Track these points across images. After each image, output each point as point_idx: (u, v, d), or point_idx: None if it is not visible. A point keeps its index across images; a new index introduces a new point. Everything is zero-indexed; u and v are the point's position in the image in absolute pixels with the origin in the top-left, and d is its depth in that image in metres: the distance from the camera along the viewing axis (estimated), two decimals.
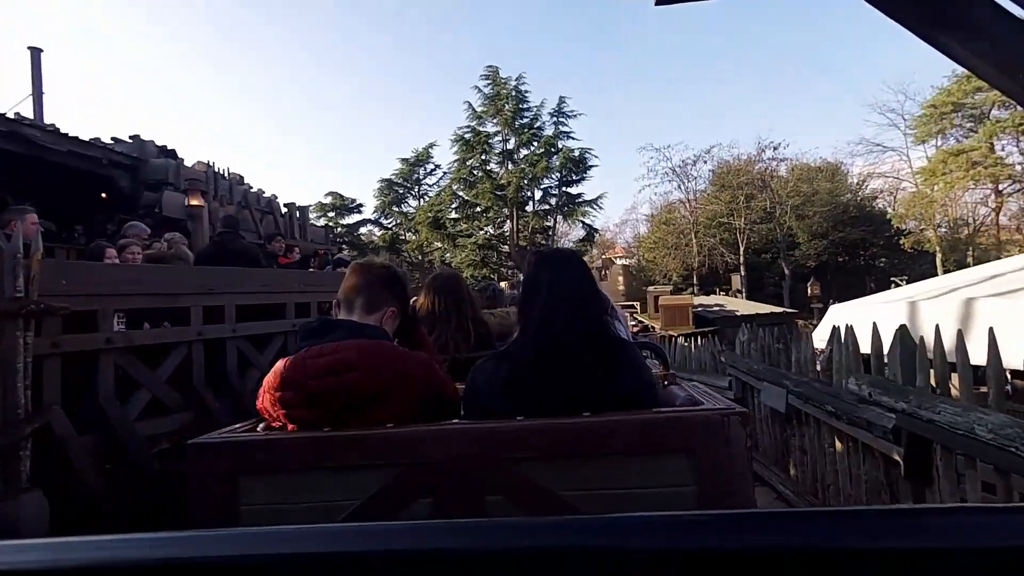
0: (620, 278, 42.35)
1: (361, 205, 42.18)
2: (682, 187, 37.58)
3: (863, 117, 50.11)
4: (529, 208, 26.79)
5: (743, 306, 10.62)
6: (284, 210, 13.03)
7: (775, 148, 35.24)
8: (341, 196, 42.10)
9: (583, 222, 26.81)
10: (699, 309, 16.68)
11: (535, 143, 25.58)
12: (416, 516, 1.22)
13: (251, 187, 13.47)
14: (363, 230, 42.55)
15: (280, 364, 1.48)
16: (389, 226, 42.07)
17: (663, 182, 38.61)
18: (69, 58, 60.81)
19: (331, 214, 41.60)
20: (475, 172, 26.10)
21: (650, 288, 12.69)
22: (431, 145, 34.94)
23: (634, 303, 37.82)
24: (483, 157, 25.62)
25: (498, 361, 1.48)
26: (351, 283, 1.61)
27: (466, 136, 26.18)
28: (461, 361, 2.09)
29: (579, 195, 26.23)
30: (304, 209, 13.94)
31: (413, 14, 66.33)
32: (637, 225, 46.30)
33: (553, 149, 25.49)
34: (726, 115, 60.92)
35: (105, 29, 64.97)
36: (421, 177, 37.33)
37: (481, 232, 26.24)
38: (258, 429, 1.47)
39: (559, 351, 1.38)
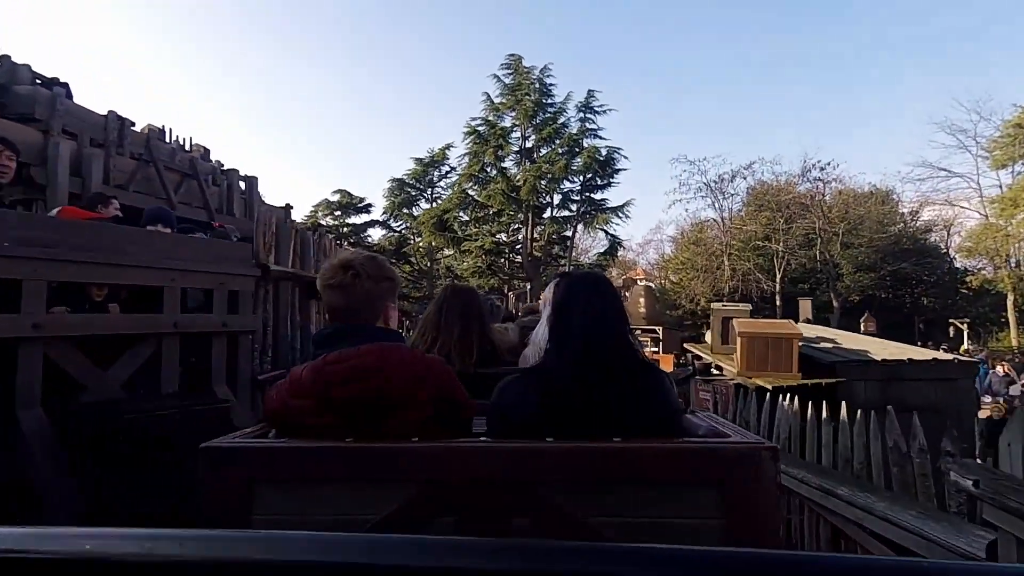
0: (642, 300, 38.69)
1: (370, 205, 39.50)
2: (716, 205, 34.13)
3: (928, 138, 45.28)
4: (547, 214, 23.62)
5: (870, 344, 7.19)
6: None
7: (822, 168, 31.64)
8: (349, 194, 39.43)
9: (605, 231, 23.45)
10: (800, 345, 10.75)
11: (557, 140, 22.46)
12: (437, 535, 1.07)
13: (203, 154, 10.59)
14: (371, 231, 39.94)
15: (298, 370, 1.45)
16: (398, 229, 39.35)
17: (695, 198, 34.91)
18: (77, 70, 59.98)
19: (337, 213, 39.02)
20: (488, 170, 23.01)
21: (716, 305, 8.76)
22: (448, 146, 32.06)
23: (656, 328, 34.43)
24: (498, 153, 22.47)
25: (527, 380, 1.47)
26: (343, 303, 1.54)
27: (480, 129, 23.16)
28: (468, 376, 1.84)
29: (603, 201, 22.99)
30: (252, 180, 10.92)
31: (434, 13, 64.43)
32: (662, 246, 42.84)
33: (577, 148, 22.36)
34: (768, 130, 56.97)
35: (110, 38, 64.08)
36: (435, 180, 34.51)
37: (489, 237, 22.94)
38: (268, 436, 1.41)
39: (595, 373, 1.38)
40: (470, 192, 23.35)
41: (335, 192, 39.55)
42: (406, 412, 1.34)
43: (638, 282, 41.38)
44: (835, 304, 30.06)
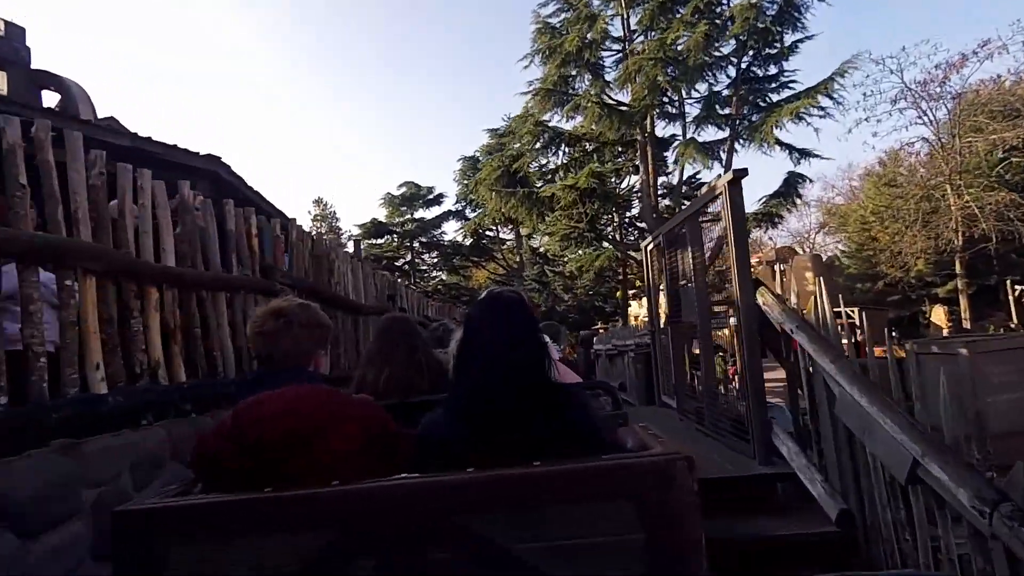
0: (809, 275, 27.62)
1: (442, 195, 32.51)
2: (928, 116, 22.29)
3: None
4: (679, 139, 14.44)
5: None
6: None
7: None
8: (416, 185, 32.64)
9: (791, 150, 13.40)
10: None
11: (683, 7, 13.19)
12: None
13: None
14: (445, 226, 32.87)
15: (226, 415, 1.39)
16: (474, 218, 31.94)
17: (892, 113, 21.90)
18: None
19: (403, 208, 32.36)
20: (572, 82, 14.26)
21: None
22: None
23: (848, 309, 23.40)
24: (585, 40, 13.52)
25: (442, 410, 1.46)
26: (272, 350, 1.63)
27: (554, 23, 14.55)
28: (409, 405, 1.76)
29: (780, 85, 13.20)
30: None
31: None
32: (806, 213, 31.32)
33: (718, 9, 12.99)
34: None
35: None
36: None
37: (583, 174, 13.64)
38: (194, 491, 1.35)
39: (499, 398, 1.36)
40: (548, 123, 14.66)
41: (401, 185, 33.00)
42: (325, 452, 1.25)
43: (799, 251, 30.57)
44: None
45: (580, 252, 17.58)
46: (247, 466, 1.23)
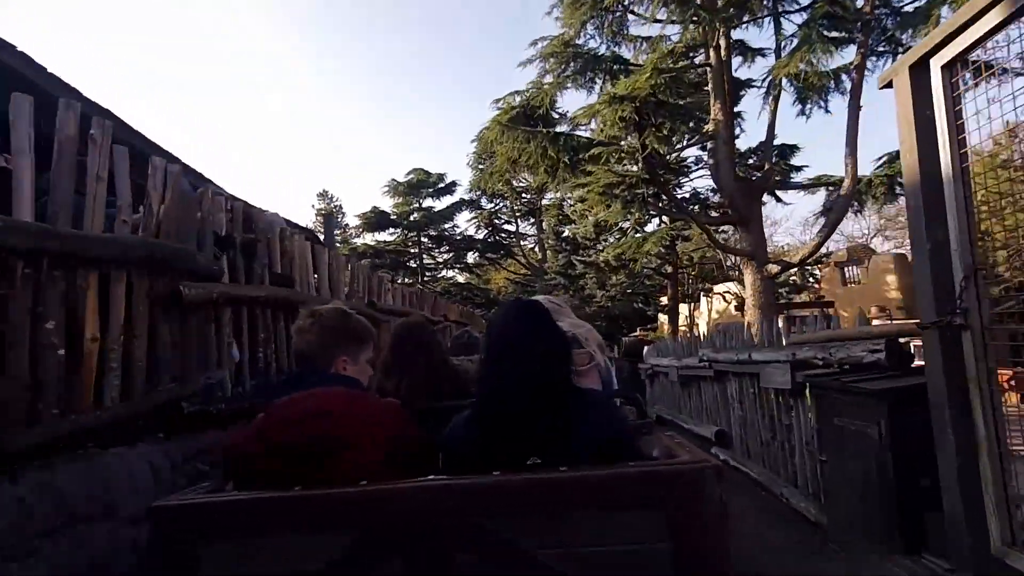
0: (891, 279, 22.46)
1: (454, 183, 28.53)
2: None
3: None
4: (748, 79, 10.11)
5: None
6: None
7: None
8: (426, 172, 28.72)
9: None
10: None
11: None
12: None
13: None
14: (458, 218, 28.84)
15: (260, 415, 1.44)
16: (490, 208, 27.86)
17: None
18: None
19: (410, 197, 28.45)
20: None
21: None
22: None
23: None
24: None
25: (468, 414, 1.45)
26: (303, 348, 1.65)
27: None
28: (436, 411, 1.77)
29: None
30: None
31: None
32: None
33: None
34: None
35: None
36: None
37: (642, 71, 8.93)
38: (227, 487, 1.40)
39: (519, 403, 1.34)
40: (583, 49, 10.46)
41: (409, 172, 29.12)
42: (353, 455, 1.29)
43: (878, 250, 25.65)
44: None
45: (623, 228, 13.26)
46: (274, 467, 1.25)
